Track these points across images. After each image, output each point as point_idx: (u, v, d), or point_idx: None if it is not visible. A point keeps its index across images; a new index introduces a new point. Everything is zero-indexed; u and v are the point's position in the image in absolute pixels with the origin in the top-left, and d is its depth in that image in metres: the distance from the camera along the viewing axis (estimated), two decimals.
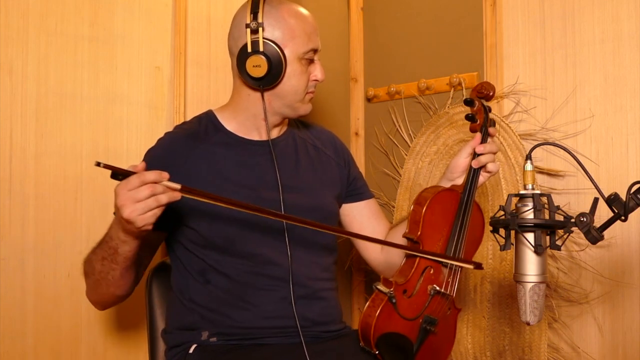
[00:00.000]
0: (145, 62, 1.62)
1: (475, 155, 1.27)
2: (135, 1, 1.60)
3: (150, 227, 1.03)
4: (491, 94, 1.29)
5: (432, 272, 1.23)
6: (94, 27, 1.52)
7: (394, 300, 1.16)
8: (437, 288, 1.22)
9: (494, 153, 1.29)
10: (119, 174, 0.98)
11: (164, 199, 1.00)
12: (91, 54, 1.52)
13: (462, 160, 1.30)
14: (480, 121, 1.30)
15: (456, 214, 1.25)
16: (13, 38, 1.39)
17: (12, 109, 1.39)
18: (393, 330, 1.17)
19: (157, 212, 1.01)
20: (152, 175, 0.99)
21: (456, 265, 1.24)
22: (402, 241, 1.28)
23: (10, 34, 1.39)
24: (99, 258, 1.15)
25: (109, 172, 0.97)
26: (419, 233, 1.23)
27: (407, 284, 1.20)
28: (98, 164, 0.94)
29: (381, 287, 1.18)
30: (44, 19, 1.44)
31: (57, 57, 1.46)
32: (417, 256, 1.23)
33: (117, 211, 1.01)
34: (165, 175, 1.00)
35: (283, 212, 1.22)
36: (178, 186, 1.01)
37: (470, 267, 1.22)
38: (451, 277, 1.25)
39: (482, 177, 1.30)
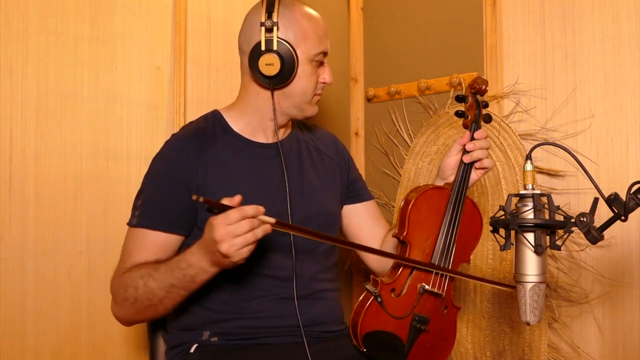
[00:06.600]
0: (145, 62, 1.62)
1: (465, 152, 1.28)
2: (135, 1, 1.60)
3: (242, 262, 1.03)
4: (484, 87, 1.29)
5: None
6: (94, 27, 1.52)
7: (379, 299, 1.18)
8: (426, 287, 1.22)
9: (486, 148, 1.29)
10: (214, 208, 0.98)
11: (260, 233, 1.00)
12: (91, 54, 1.52)
13: (452, 158, 1.31)
14: (472, 117, 1.30)
15: (445, 211, 1.25)
16: (13, 38, 1.39)
17: (12, 109, 1.39)
18: (382, 328, 1.18)
19: (252, 247, 1.01)
20: (251, 210, 0.99)
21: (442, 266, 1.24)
22: (396, 242, 1.29)
23: (10, 34, 1.39)
24: (165, 285, 1.12)
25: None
26: (405, 233, 1.24)
27: (394, 283, 1.21)
28: (197, 199, 0.93)
29: (369, 286, 1.20)
30: (44, 19, 1.44)
31: (57, 57, 1.46)
32: (404, 257, 1.23)
33: (213, 244, 1.00)
34: (262, 209, 1.00)
35: (290, 221, 1.23)
36: (273, 220, 1.01)
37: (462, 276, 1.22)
38: (442, 276, 1.25)
39: (477, 174, 1.29)
